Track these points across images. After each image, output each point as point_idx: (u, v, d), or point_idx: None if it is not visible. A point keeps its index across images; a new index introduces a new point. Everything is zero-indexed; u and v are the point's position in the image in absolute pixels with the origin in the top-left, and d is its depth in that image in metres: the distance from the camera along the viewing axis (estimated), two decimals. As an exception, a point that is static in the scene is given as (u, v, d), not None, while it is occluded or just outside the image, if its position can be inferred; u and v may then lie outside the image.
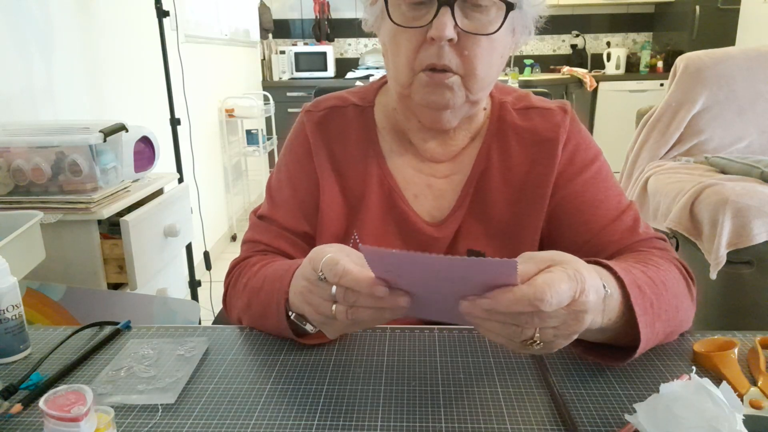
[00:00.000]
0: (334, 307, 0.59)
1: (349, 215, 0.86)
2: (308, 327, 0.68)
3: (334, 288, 0.58)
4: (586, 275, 0.55)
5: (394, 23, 0.74)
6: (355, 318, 0.58)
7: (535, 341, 0.53)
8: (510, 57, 0.86)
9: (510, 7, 0.72)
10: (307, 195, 0.87)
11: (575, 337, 0.56)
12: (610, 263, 0.65)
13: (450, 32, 0.70)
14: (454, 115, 0.80)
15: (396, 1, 0.74)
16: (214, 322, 1.02)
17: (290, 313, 0.70)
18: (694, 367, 0.60)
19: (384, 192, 0.85)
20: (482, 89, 0.78)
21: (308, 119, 0.89)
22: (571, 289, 0.53)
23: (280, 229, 0.87)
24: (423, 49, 0.73)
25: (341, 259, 0.58)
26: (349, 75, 4.74)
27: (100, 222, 1.39)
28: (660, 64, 4.72)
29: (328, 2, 4.96)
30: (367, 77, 4.50)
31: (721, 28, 4.09)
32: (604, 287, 0.59)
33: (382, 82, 0.92)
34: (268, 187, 0.91)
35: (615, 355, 0.67)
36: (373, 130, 0.88)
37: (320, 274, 0.59)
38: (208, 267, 2.60)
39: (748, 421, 0.51)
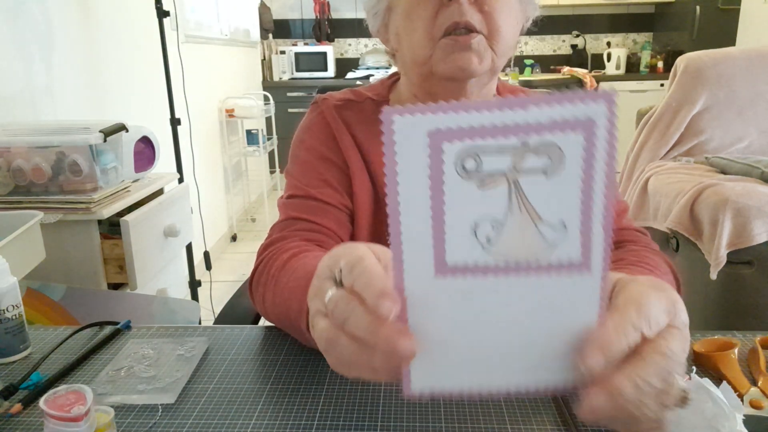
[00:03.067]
0: (322, 322, 0.40)
1: (375, 201, 0.84)
2: None
3: (330, 292, 0.40)
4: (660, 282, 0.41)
5: None
6: (332, 343, 0.38)
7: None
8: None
9: None
10: (340, 172, 0.82)
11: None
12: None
13: None
14: (478, 85, 0.79)
15: None
16: (215, 322, 1.02)
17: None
18: (694, 367, 0.60)
19: None
20: (505, 52, 0.76)
21: (326, 106, 0.86)
22: (663, 300, 0.38)
23: (322, 204, 0.80)
24: (440, 13, 0.72)
25: (368, 257, 0.39)
26: (350, 75, 4.74)
27: (100, 222, 1.39)
28: (660, 64, 4.72)
29: (328, 2, 4.97)
30: (367, 77, 4.51)
31: (721, 28, 4.09)
32: None
33: (394, 79, 0.92)
34: (291, 176, 0.85)
35: None
36: None
37: (337, 271, 0.40)
38: (208, 267, 2.60)
39: (748, 421, 0.51)
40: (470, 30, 0.72)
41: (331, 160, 0.83)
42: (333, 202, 0.80)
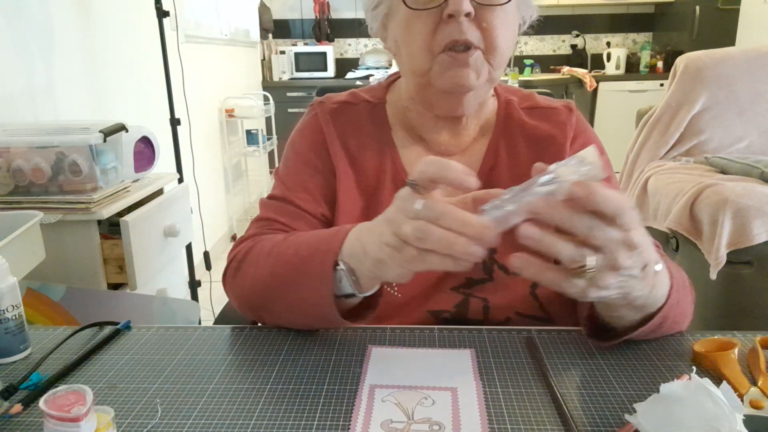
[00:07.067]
0: (413, 224, 0.55)
1: (364, 208, 0.85)
2: (347, 285, 0.65)
3: (419, 203, 0.55)
4: None
5: (410, 8, 0.74)
6: (426, 239, 0.54)
7: (588, 269, 0.52)
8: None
9: None
10: (324, 180, 0.85)
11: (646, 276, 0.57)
12: None
13: (467, 6, 0.71)
14: (475, 98, 0.80)
15: None
16: (214, 322, 1.02)
17: (339, 265, 0.65)
18: (694, 367, 0.60)
19: (397, 187, 0.85)
20: (501, 65, 0.78)
21: (321, 110, 0.89)
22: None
23: (299, 210, 0.83)
24: (440, 29, 0.73)
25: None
26: (349, 75, 4.74)
27: (100, 222, 1.39)
28: (660, 64, 4.72)
29: (328, 2, 4.97)
30: (367, 77, 4.51)
31: (721, 28, 4.09)
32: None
33: (391, 80, 0.93)
34: (278, 176, 0.88)
35: (602, 336, 0.69)
36: (385, 126, 0.88)
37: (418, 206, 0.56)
38: (208, 267, 2.60)
39: (748, 421, 0.51)
40: (468, 46, 0.74)
41: (317, 166, 0.86)
42: (308, 209, 0.83)
